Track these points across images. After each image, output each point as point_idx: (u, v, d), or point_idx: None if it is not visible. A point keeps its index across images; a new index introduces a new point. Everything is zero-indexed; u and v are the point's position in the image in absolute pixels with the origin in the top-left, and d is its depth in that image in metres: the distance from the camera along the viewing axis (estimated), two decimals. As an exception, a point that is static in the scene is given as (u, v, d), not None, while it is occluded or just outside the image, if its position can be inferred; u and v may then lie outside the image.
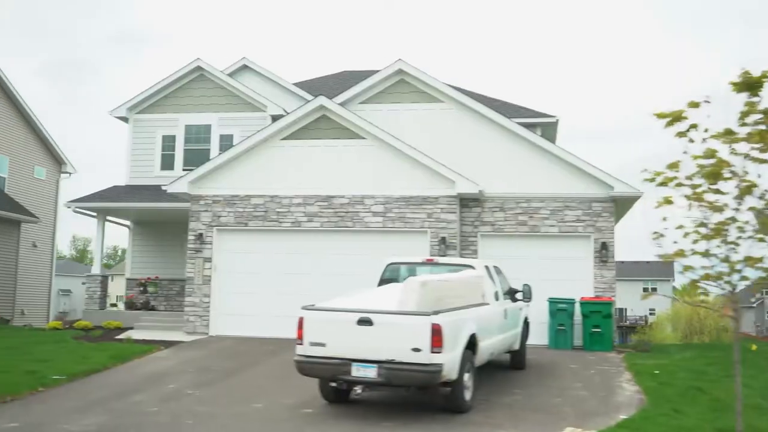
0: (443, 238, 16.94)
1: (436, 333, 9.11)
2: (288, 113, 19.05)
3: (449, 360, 9.27)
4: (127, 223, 23.59)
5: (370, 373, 9.30)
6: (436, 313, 9.25)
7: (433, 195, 17.18)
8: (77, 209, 21.40)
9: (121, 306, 30.73)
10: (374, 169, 17.48)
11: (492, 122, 17.97)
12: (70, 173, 32.69)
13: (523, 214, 17.54)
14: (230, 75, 23.65)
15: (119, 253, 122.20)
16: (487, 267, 12.16)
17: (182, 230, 23.07)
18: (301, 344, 9.74)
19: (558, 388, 11.87)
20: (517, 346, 13.08)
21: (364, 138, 17.61)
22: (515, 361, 13.32)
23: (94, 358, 13.90)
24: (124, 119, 23.48)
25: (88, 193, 22.32)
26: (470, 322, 10.18)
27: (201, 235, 17.90)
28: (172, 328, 18.93)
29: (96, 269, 21.67)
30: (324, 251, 17.53)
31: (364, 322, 9.36)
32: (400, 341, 9.21)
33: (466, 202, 17.66)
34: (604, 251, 17.05)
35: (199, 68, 23.11)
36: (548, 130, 22.38)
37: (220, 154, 18.66)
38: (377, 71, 28.94)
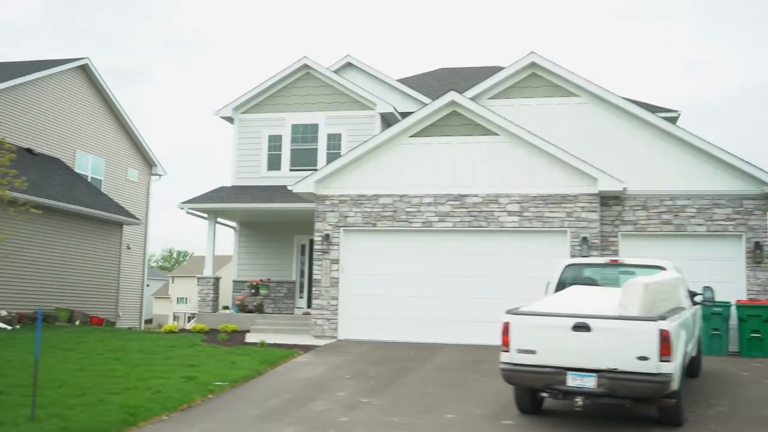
0: (585, 238, 16.14)
1: (665, 340, 8.36)
2: (416, 110, 18.50)
3: (675, 369, 8.52)
4: (233, 224, 23.30)
5: (589, 383, 8.58)
6: (662, 318, 8.51)
7: (572, 193, 16.39)
8: (190, 210, 21.14)
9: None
10: (509, 167, 16.76)
11: (631, 116, 17.11)
12: (160, 175, 32.76)
13: (668, 213, 16.64)
14: (334, 73, 23.17)
15: (174, 255, 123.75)
16: (676, 268, 11.35)
17: (289, 231, 22.74)
18: (507, 351, 9.07)
19: (754, 397, 11.02)
20: (695, 352, 12.24)
21: (497, 134, 16.90)
22: (692, 367, 12.47)
23: (243, 363, 13.45)
24: (229, 119, 23.20)
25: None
26: (682, 327, 9.43)
27: (328, 236, 17.40)
28: (293, 331, 18.51)
29: (209, 271, 21.38)
30: (456, 252, 16.88)
31: (581, 327, 8.65)
32: (624, 349, 8.47)
33: (606, 200, 16.83)
34: (758, 251, 16.05)
35: (305, 66, 22.70)
36: (671, 124, 21.38)
37: (345, 153, 18.14)
38: (474, 68, 28.53)
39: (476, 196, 16.82)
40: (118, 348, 15.69)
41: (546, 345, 8.84)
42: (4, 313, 19.77)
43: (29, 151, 24.79)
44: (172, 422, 9.50)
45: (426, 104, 23.07)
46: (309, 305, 22.41)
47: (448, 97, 17.09)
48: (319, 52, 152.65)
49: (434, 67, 29.80)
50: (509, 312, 9.26)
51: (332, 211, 17.54)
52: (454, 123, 17.17)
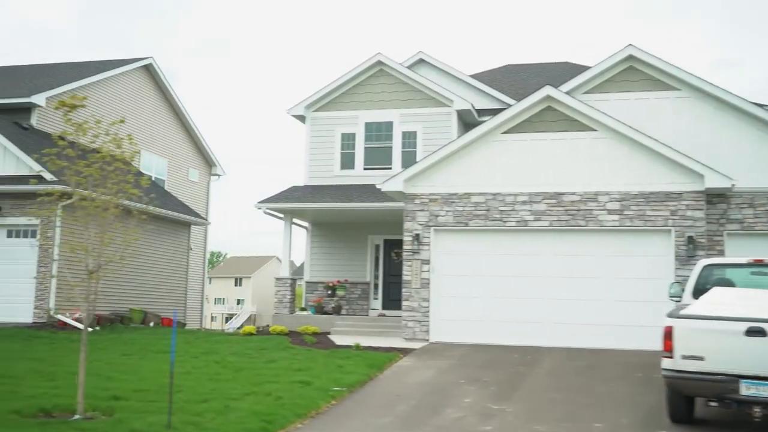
0: (690, 238, 15.45)
1: None
2: (511, 105, 18.00)
3: None
4: (305, 224, 22.94)
5: (766, 391, 8.00)
6: None
7: (675, 191, 15.72)
8: (267, 210, 20.80)
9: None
10: (608, 163, 16.14)
11: (735, 109, 16.45)
12: (219, 175, 32.57)
13: (777, 211, 15.93)
14: (408, 69, 22.68)
15: (214, 257, 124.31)
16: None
17: (363, 231, 22.31)
18: (670, 357, 8.49)
19: None
20: None
21: (594, 130, 16.29)
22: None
23: (349, 367, 13.00)
24: (301, 118, 22.83)
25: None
26: None
27: (418, 235, 16.91)
28: (375, 334, 18.06)
29: (285, 272, 21.02)
30: (551, 252, 16.30)
31: (756, 332, 8.06)
32: (806, 355, 7.89)
33: (710, 198, 16.15)
34: None
35: (379, 63, 22.25)
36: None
37: (435, 150, 17.61)
38: (541, 64, 27.87)
39: (573, 194, 16.22)
40: (210, 351, 15.34)
41: (715, 351, 8.26)
42: (84, 314, 19.53)
43: (97, 151, 24.62)
44: (310, 430, 9.06)
45: (500, 100, 22.67)
46: (383, 306, 21.99)
47: (543, 92, 16.52)
48: (382, 49, 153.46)
49: (497, 64, 29.15)
50: (672, 315, 8.68)
51: (422, 210, 17.04)
52: (549, 119, 16.59)
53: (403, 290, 16.97)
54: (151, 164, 27.65)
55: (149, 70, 27.77)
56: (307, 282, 22.41)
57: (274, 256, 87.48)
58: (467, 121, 22.08)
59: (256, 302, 79.63)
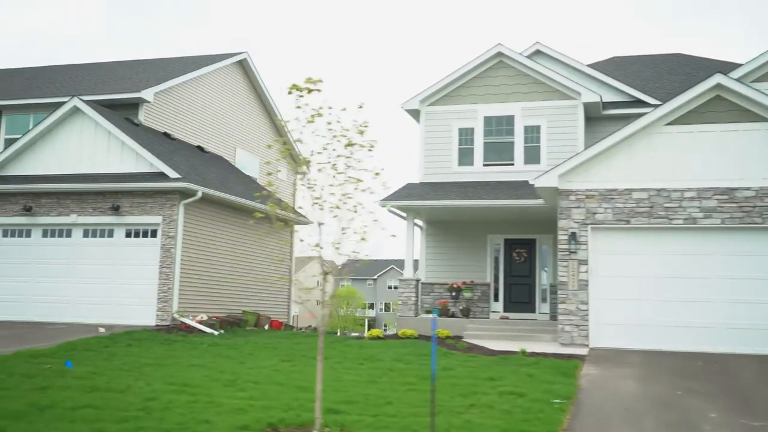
0: None
1: None
2: (638, 98, 16.88)
3: None
4: (419, 223, 22.04)
5: None
6: None
7: None
8: (391, 209, 19.91)
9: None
10: (787, 156, 15.04)
11: None
12: (304, 173, 31.71)
13: None
14: (529, 59, 21.68)
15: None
16: None
17: (482, 230, 21.35)
18: None
19: None
20: None
21: (769, 120, 15.20)
22: None
23: (540, 376, 12.08)
24: (415, 112, 21.94)
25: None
26: None
27: (574, 234, 15.91)
28: (513, 338, 17.09)
29: (409, 273, 20.13)
30: (724, 251, 15.23)
31: None
32: None
33: None
34: None
35: (499, 54, 21.29)
36: None
37: (590, 145, 16.62)
38: (651, 56, 26.72)
39: (748, 189, 15.13)
40: (369, 357, 14.47)
41: None
42: (205, 317, 18.84)
43: (200, 149, 23.99)
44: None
45: (625, 92, 21.60)
46: (505, 309, 21.03)
47: (712, 80, 15.42)
48: (491, 42, 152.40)
49: (599, 57, 27.93)
50: None
51: (578, 207, 16.05)
52: (718, 109, 15.50)
53: (559, 293, 15.99)
54: (245, 162, 26.94)
55: (243, 66, 27.04)
56: (423, 283, 21.48)
57: (317, 257, 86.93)
58: (591, 115, 21.06)
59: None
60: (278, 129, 29.53)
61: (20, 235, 20.12)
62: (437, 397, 10.36)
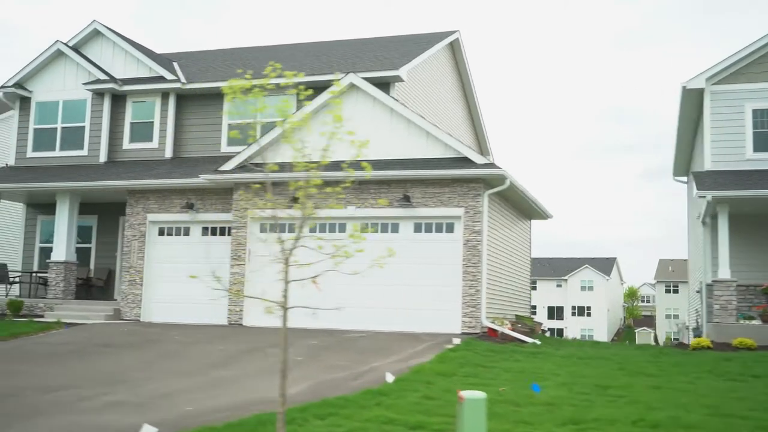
0: None
1: None
2: None
3: None
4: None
5: None
6: None
7: None
8: (718, 196, 17.41)
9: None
10: None
11: None
12: (489, 167, 29.37)
13: None
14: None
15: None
16: None
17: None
18: None
19: None
20: None
21: None
22: None
23: None
24: (698, 92, 19.47)
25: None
26: None
27: None
28: None
29: (725, 273, 17.62)
30: None
31: None
32: None
33: None
34: None
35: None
36: None
37: None
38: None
39: None
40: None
41: None
42: (508, 323, 16.42)
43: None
44: None
45: None
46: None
47: None
48: None
49: None
50: None
51: None
52: None
53: None
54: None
55: (452, 48, 24.66)
56: (715, 282, 18.93)
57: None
58: None
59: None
60: (472, 118, 27.14)
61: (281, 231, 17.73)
62: None
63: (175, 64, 22.81)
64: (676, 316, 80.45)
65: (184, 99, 21.54)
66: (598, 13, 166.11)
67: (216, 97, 21.18)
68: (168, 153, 21.20)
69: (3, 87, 22.30)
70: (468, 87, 26.10)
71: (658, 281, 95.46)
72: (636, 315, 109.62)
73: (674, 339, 48.49)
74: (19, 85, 22.27)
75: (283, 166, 17.67)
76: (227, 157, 19.59)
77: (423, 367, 11.49)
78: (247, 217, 17.81)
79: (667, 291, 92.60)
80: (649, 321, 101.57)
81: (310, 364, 11.86)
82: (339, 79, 17.65)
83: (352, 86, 17.56)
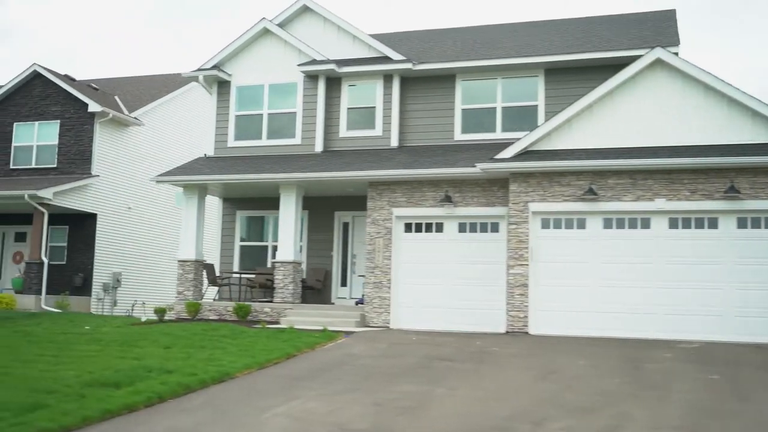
0: None
1: None
2: None
3: None
4: None
5: None
6: None
7: None
8: None
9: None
10: None
11: None
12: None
13: None
14: None
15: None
16: None
17: None
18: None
19: None
20: None
21: None
22: None
23: None
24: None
25: None
26: None
27: None
28: None
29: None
30: None
31: None
32: None
33: None
34: None
35: None
36: None
37: None
38: None
39: None
40: None
41: None
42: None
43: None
44: None
45: None
46: None
47: None
48: None
49: None
50: None
51: None
52: None
53: None
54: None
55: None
56: None
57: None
58: None
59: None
60: None
61: (569, 227, 15.66)
62: None
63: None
64: None
65: (407, 82, 19.46)
66: None
67: (445, 79, 19.21)
68: (394, 141, 19.13)
69: (201, 69, 20.32)
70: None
71: None
72: None
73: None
74: (217, 67, 20.28)
75: (572, 153, 15.81)
76: (459, 146, 18.07)
77: None
78: (528, 210, 15.68)
79: None
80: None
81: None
82: (642, 55, 15.53)
83: (658, 62, 15.40)
